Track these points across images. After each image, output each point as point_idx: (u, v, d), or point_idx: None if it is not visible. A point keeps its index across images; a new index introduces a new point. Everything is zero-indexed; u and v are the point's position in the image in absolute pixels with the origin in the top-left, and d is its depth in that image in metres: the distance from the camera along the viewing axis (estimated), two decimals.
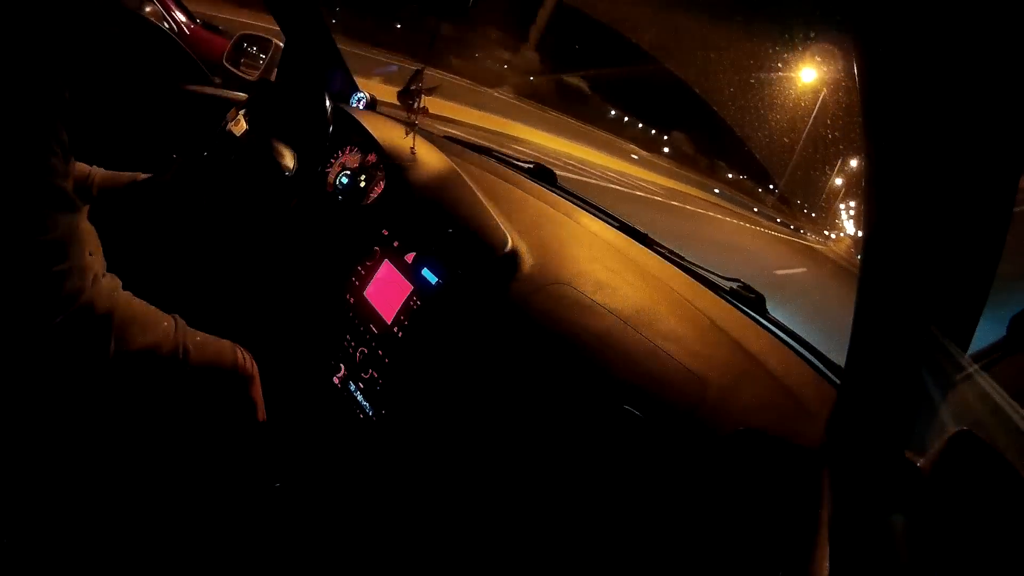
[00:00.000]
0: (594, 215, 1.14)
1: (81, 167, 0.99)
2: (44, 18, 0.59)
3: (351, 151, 1.17)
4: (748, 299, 0.96)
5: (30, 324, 0.59)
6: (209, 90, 1.38)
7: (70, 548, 0.76)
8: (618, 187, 12.35)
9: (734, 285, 0.99)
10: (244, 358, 0.82)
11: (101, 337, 0.63)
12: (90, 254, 0.65)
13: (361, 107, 1.41)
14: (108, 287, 0.65)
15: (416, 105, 1.08)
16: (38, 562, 0.73)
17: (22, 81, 0.56)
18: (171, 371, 0.71)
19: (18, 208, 0.56)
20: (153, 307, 0.71)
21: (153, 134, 1.31)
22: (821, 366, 0.83)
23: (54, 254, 0.58)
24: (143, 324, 0.68)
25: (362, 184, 1.11)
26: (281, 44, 1.36)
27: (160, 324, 0.70)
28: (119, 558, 0.79)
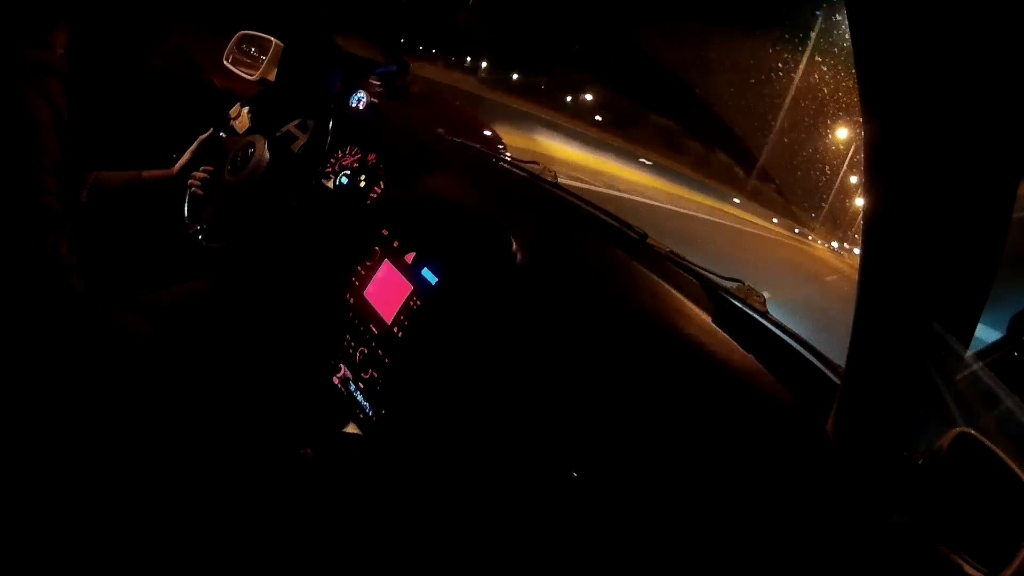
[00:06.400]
0: (593, 215, 1.14)
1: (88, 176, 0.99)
2: (48, 38, 0.59)
3: (351, 151, 1.17)
4: (748, 299, 0.96)
5: (11, 340, 0.60)
6: (208, 90, 1.39)
7: (69, 544, 0.76)
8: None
9: (734, 285, 0.99)
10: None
11: (78, 350, 0.65)
12: (72, 271, 0.66)
13: (361, 107, 1.41)
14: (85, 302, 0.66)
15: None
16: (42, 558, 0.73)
17: (20, 100, 0.56)
18: (148, 370, 0.72)
19: (7, 228, 0.57)
20: (123, 312, 0.72)
21: (153, 134, 1.31)
22: (821, 366, 0.83)
23: (38, 274, 0.59)
24: (119, 335, 0.69)
25: (362, 184, 1.11)
26: (281, 44, 1.36)
27: (136, 329, 0.71)
28: (117, 556, 0.79)
